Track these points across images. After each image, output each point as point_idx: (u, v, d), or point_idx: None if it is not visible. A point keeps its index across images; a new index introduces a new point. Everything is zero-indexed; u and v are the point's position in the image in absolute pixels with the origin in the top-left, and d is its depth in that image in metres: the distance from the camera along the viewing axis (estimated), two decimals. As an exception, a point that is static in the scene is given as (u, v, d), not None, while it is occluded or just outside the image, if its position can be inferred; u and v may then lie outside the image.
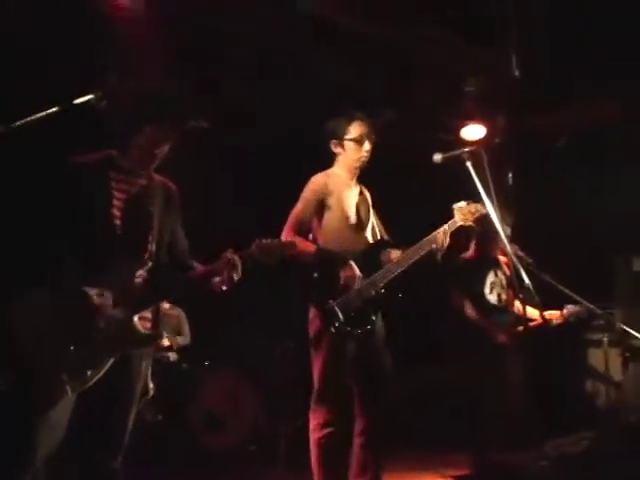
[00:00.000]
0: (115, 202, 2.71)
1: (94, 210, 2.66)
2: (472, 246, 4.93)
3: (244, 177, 6.61)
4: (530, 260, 4.52)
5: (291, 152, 6.30)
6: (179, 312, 6.79)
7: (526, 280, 3.40)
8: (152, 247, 2.74)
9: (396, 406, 3.82)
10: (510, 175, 6.71)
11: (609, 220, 6.28)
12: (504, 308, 4.79)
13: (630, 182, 6.22)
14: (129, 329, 2.59)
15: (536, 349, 4.72)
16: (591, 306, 4.78)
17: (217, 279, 2.75)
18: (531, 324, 4.48)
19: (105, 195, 2.70)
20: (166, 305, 6.71)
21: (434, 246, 3.65)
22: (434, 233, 3.70)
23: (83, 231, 2.61)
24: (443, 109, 6.17)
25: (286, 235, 3.61)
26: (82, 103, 2.69)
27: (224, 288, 2.76)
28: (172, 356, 6.49)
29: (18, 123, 2.48)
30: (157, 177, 2.91)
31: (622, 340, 5.72)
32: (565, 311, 4.75)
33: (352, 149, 3.73)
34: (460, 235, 4.06)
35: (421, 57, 5.73)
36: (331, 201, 3.69)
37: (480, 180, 3.56)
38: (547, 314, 4.68)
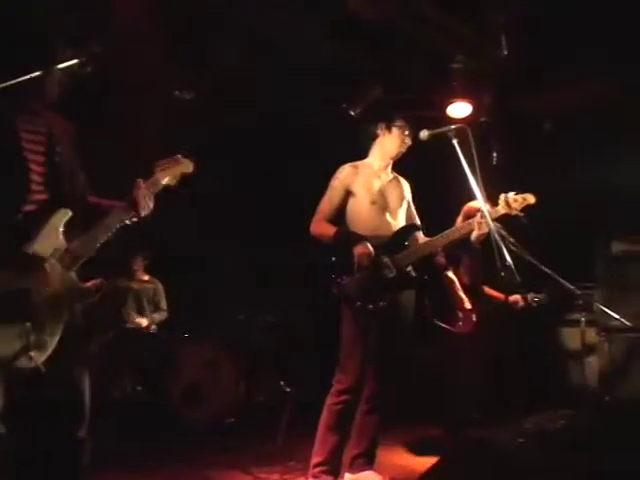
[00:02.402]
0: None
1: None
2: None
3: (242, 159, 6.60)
4: (512, 239, 4.54)
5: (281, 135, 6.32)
6: (157, 285, 6.77)
7: (508, 259, 3.42)
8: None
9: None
10: (494, 154, 6.69)
11: (590, 202, 6.32)
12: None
13: (611, 164, 6.26)
14: (71, 283, 2.54)
15: (514, 327, 4.78)
16: (570, 286, 4.82)
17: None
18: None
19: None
20: (145, 277, 6.71)
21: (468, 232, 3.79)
22: (469, 221, 3.81)
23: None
24: (430, 87, 6.12)
25: (315, 223, 3.82)
26: (65, 68, 2.67)
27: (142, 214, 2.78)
28: (152, 328, 6.47)
29: (-1, 86, 2.44)
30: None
31: (599, 320, 5.78)
32: (529, 297, 4.79)
33: (397, 136, 3.85)
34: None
35: (408, 35, 5.66)
36: (356, 188, 3.84)
37: (465, 157, 3.58)
38: (512, 298, 4.73)
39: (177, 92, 6.03)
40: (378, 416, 3.80)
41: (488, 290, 4.93)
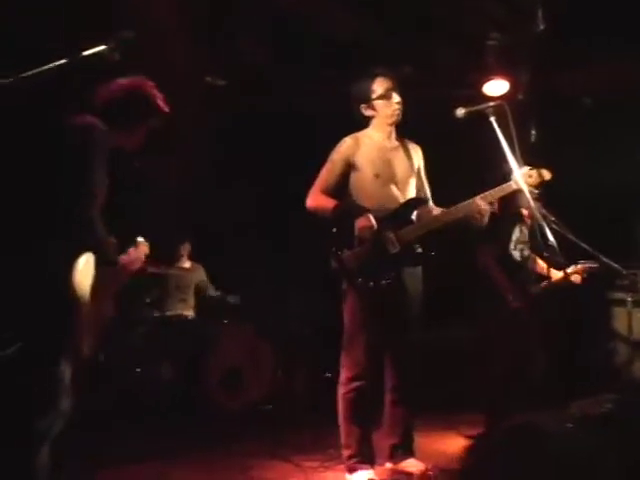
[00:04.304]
0: None
1: None
2: (496, 202, 4.82)
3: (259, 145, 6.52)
4: (554, 218, 4.40)
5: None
6: (199, 270, 6.70)
7: (551, 238, 3.32)
8: None
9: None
10: (533, 132, 6.51)
11: (634, 181, 6.11)
12: (525, 264, 4.69)
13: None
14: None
15: (559, 307, 4.65)
16: (615, 265, 4.67)
17: None
18: (553, 281, 4.40)
19: None
20: (187, 264, 6.66)
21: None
22: (478, 197, 3.59)
23: None
24: (465, 64, 5.96)
25: (312, 195, 3.62)
26: (92, 55, 2.59)
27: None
28: (190, 313, 6.44)
29: (24, 75, 2.38)
30: None
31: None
32: (580, 266, 4.63)
33: (382, 106, 3.66)
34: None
35: (442, 11, 5.51)
36: (359, 160, 3.63)
37: (504, 135, 3.45)
38: (568, 271, 4.58)
39: (209, 78, 5.99)
40: (406, 407, 3.63)
41: (542, 264, 4.76)
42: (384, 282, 3.41)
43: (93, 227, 2.54)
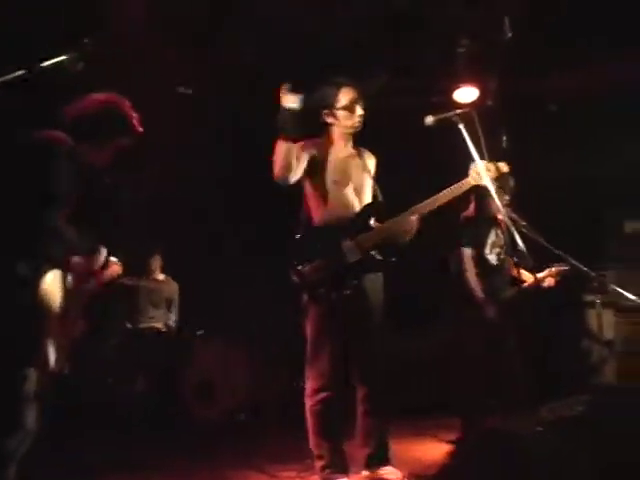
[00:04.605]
0: None
1: None
2: (471, 205, 4.85)
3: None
4: (524, 222, 4.43)
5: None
6: (173, 285, 6.65)
7: (520, 243, 3.33)
8: None
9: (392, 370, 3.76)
10: (504, 139, 6.57)
11: (601, 182, 6.20)
12: (502, 268, 4.72)
13: (623, 145, 6.11)
14: None
15: (531, 311, 4.69)
16: (584, 268, 4.71)
17: None
18: (524, 285, 4.43)
19: None
20: (160, 277, 6.61)
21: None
22: (437, 195, 3.59)
23: None
24: (435, 72, 6.00)
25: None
26: (53, 65, 2.54)
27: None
28: (162, 326, 6.39)
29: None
30: None
31: (615, 301, 5.69)
32: (553, 270, 4.67)
33: (344, 117, 3.63)
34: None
35: (412, 19, 5.55)
36: (319, 164, 3.59)
37: (473, 142, 3.47)
38: (539, 275, 4.62)
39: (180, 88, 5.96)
40: (377, 416, 3.55)
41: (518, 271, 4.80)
42: (346, 292, 3.39)
43: (60, 236, 2.52)
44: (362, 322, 3.51)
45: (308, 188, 3.61)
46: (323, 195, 3.57)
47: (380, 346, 3.58)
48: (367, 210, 3.61)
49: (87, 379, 5.44)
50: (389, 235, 3.53)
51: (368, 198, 3.69)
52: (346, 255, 3.43)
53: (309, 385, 3.47)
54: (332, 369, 3.43)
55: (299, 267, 3.42)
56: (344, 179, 3.61)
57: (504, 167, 3.64)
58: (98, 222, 2.89)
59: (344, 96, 3.62)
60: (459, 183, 3.62)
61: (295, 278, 3.44)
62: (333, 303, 3.38)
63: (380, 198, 3.73)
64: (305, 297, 3.50)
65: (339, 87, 3.65)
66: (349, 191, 3.62)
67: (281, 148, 3.39)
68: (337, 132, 3.67)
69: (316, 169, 3.58)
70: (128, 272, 5.86)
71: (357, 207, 3.60)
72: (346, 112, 3.61)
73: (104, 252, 2.96)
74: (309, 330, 3.49)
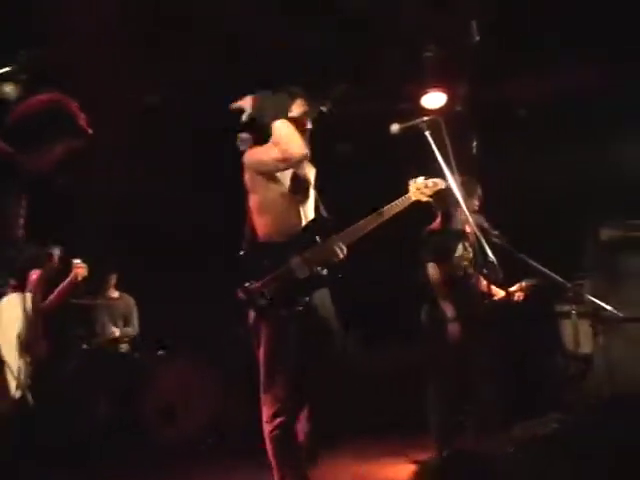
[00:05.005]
0: None
1: None
2: (437, 217, 4.87)
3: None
4: (496, 232, 4.47)
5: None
6: (129, 300, 6.68)
7: (490, 255, 3.35)
8: None
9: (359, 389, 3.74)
10: (474, 144, 6.63)
11: (575, 188, 6.27)
12: (469, 282, 4.73)
13: (597, 149, 6.18)
14: None
15: (502, 326, 4.70)
16: (558, 278, 4.75)
17: None
18: (493, 299, 4.44)
19: None
20: (115, 294, 6.60)
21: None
22: (380, 210, 3.56)
23: None
24: (401, 77, 6.04)
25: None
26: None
27: None
28: (123, 347, 6.36)
29: None
30: None
31: (592, 312, 5.71)
32: (523, 284, 4.71)
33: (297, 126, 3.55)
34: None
35: (377, 23, 5.58)
36: (263, 178, 3.53)
37: (440, 150, 3.49)
38: (512, 289, 4.65)
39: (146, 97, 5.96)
40: (314, 436, 3.48)
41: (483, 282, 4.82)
42: (298, 309, 3.35)
43: (12, 261, 2.50)
44: (316, 339, 3.48)
45: (253, 201, 3.55)
46: (275, 204, 3.52)
47: (335, 363, 3.56)
48: (313, 225, 3.56)
49: (45, 404, 5.37)
50: (328, 253, 3.49)
51: (312, 212, 3.65)
52: (295, 271, 3.39)
53: (266, 410, 3.40)
54: (288, 391, 3.37)
55: (246, 284, 3.37)
56: (285, 190, 3.55)
57: (441, 183, 3.64)
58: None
59: (297, 108, 3.58)
60: (399, 199, 3.60)
61: (242, 295, 3.38)
62: (284, 321, 3.35)
63: (323, 211, 3.70)
64: (253, 316, 3.44)
65: (293, 97, 3.63)
66: (297, 203, 3.57)
67: (291, 128, 3.39)
68: (278, 141, 3.52)
69: (261, 181, 3.54)
70: (84, 291, 5.93)
71: (303, 221, 3.56)
72: (296, 124, 3.54)
73: (57, 252, 2.93)
74: (262, 351, 3.42)
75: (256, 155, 3.55)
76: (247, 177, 3.57)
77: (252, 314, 3.45)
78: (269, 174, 3.51)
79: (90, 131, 2.88)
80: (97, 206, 6.35)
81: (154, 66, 5.54)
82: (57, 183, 3.19)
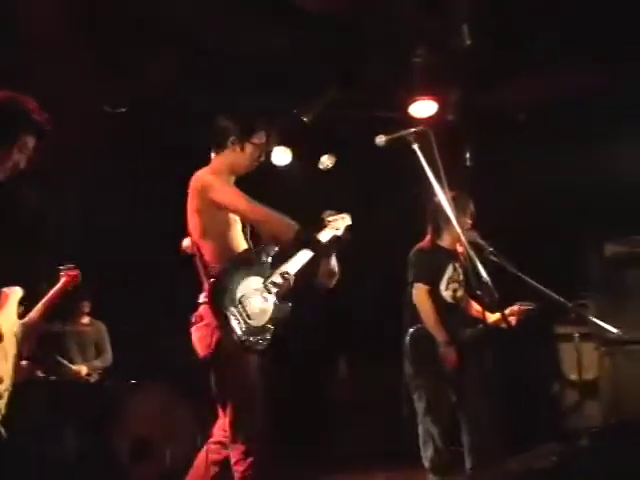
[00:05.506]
0: None
1: None
2: (427, 235, 4.81)
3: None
4: (491, 249, 4.40)
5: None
6: (100, 327, 6.59)
7: (484, 275, 3.29)
8: None
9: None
10: (467, 155, 6.60)
11: (578, 201, 6.22)
12: (458, 306, 4.66)
13: (602, 158, 6.11)
14: None
15: (495, 352, 4.64)
16: (559, 298, 4.69)
17: None
18: (486, 324, 4.36)
19: None
20: (85, 320, 6.52)
21: None
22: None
23: None
24: (388, 84, 6.02)
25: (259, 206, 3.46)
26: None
27: None
28: (93, 376, 6.27)
29: None
30: None
31: (596, 334, 5.64)
32: (516, 308, 4.65)
33: (250, 154, 3.61)
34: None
35: (363, 28, 5.56)
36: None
37: (429, 163, 3.44)
38: (508, 312, 4.57)
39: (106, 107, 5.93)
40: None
41: (476, 306, 4.76)
42: (268, 338, 3.34)
43: None
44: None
45: (214, 220, 3.49)
46: (229, 229, 3.50)
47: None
48: (263, 251, 3.55)
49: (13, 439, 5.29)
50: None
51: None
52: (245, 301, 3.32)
53: (237, 449, 3.32)
54: (259, 427, 3.33)
55: (221, 311, 3.27)
56: (233, 217, 3.56)
57: (348, 218, 3.75)
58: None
59: (261, 135, 3.61)
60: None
61: (218, 323, 3.29)
62: (254, 352, 3.32)
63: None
64: (221, 358, 3.37)
65: (262, 123, 3.63)
66: (239, 227, 3.57)
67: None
68: (231, 163, 3.62)
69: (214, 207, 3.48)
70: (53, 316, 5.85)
71: (245, 245, 3.55)
72: (255, 151, 3.61)
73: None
74: (229, 387, 3.37)
75: (229, 196, 3.49)
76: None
77: (216, 339, 3.35)
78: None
79: (48, 126, 2.81)
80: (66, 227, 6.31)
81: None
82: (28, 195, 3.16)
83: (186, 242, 3.66)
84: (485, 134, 6.32)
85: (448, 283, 4.62)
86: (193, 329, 3.46)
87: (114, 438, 5.60)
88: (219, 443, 3.49)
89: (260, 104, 6.07)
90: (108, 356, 6.53)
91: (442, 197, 3.44)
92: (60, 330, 6.26)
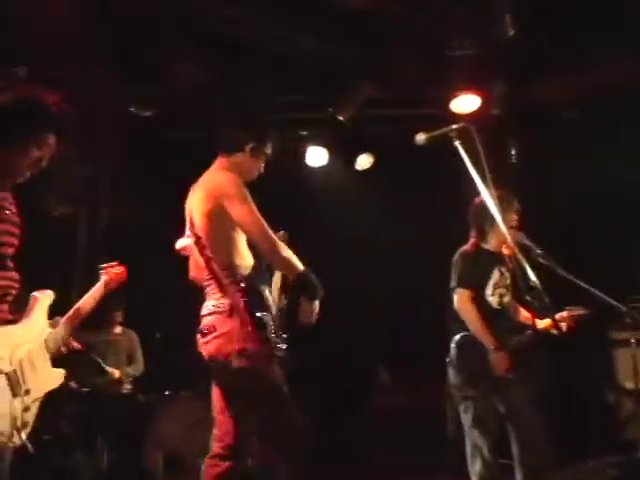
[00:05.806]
0: None
1: None
2: (471, 238, 4.74)
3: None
4: (540, 251, 4.32)
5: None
6: (132, 336, 6.66)
7: (533, 278, 3.21)
8: None
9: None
10: (513, 152, 6.53)
11: (629, 200, 6.11)
12: (505, 312, 4.59)
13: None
14: None
15: (545, 360, 4.56)
16: (614, 302, 4.60)
17: None
18: (536, 330, 4.27)
19: None
20: (117, 329, 6.57)
21: None
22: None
23: None
24: (427, 79, 5.97)
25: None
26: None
27: None
28: (125, 387, 6.32)
29: None
30: None
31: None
32: (566, 314, 4.55)
33: (258, 162, 3.66)
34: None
35: (398, 20, 5.53)
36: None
37: (472, 161, 3.39)
38: (558, 317, 4.48)
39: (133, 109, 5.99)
40: None
41: (525, 312, 4.68)
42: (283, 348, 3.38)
43: None
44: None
45: (214, 229, 3.46)
46: (242, 242, 3.49)
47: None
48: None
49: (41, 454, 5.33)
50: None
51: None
52: (270, 307, 3.41)
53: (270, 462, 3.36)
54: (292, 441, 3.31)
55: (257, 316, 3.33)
56: None
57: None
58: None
59: (271, 147, 3.66)
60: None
61: (255, 327, 3.30)
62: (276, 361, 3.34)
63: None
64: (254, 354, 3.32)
65: (276, 136, 3.69)
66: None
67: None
68: (241, 170, 3.62)
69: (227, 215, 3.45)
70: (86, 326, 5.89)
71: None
72: (263, 160, 3.66)
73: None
74: (260, 397, 3.32)
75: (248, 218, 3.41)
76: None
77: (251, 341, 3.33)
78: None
79: (68, 121, 2.81)
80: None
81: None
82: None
83: (181, 242, 3.63)
84: (531, 130, 6.22)
85: (494, 288, 4.53)
86: (204, 340, 3.36)
87: (147, 451, 5.59)
88: (215, 457, 3.44)
89: (296, 103, 6.15)
90: (140, 365, 6.62)
91: (487, 197, 3.38)
92: (90, 340, 6.28)
